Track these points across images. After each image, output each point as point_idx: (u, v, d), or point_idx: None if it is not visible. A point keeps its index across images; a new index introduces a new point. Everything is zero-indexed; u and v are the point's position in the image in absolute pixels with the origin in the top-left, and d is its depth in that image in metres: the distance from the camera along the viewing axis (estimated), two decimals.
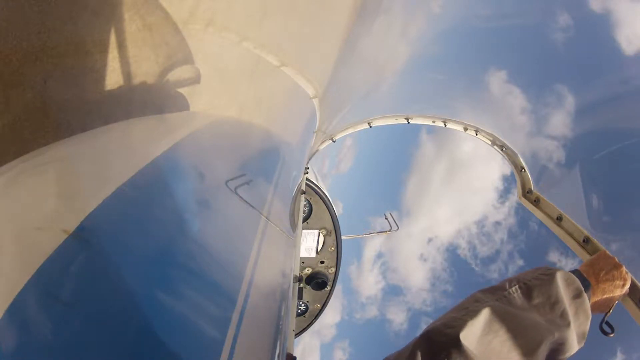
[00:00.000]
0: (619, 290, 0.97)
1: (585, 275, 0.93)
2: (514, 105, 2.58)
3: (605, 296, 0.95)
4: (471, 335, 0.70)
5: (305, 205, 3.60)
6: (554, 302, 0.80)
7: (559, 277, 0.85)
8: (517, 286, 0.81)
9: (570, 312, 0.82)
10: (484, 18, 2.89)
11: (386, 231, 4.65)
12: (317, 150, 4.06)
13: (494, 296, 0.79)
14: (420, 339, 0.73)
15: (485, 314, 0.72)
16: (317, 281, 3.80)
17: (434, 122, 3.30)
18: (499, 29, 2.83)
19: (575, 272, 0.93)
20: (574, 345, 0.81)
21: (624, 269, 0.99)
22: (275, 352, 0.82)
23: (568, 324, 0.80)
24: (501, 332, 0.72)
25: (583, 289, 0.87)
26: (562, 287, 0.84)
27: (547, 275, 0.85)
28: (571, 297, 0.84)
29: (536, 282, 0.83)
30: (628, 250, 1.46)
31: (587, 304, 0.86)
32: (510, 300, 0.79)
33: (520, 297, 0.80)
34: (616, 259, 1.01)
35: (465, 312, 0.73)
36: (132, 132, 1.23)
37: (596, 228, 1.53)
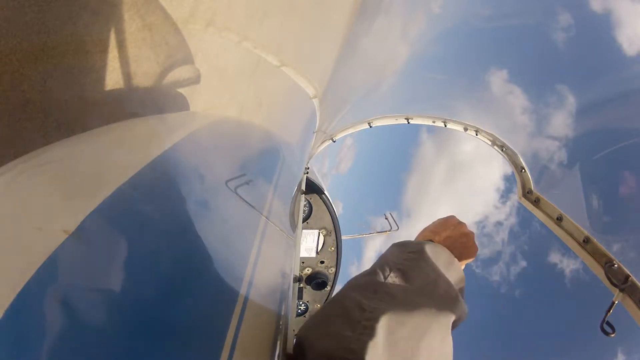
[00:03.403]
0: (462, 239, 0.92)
1: (435, 241, 0.91)
2: (514, 105, 2.58)
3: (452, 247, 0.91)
4: (375, 352, 0.65)
5: (305, 205, 3.60)
6: (434, 279, 0.78)
7: (428, 251, 0.82)
8: (392, 273, 0.77)
9: (451, 281, 0.80)
10: (484, 18, 2.89)
11: (386, 231, 4.65)
12: (317, 151, 4.06)
13: (375, 295, 0.73)
14: None
15: (382, 326, 0.68)
16: (317, 281, 3.80)
17: (434, 122, 3.29)
18: (499, 29, 2.83)
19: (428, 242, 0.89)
20: (465, 309, 0.79)
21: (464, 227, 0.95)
22: (275, 352, 0.82)
23: (456, 296, 0.78)
24: (404, 334, 0.68)
25: (449, 256, 0.85)
26: (435, 260, 0.81)
27: (416, 252, 0.82)
28: (445, 268, 0.82)
29: (409, 264, 0.79)
30: (628, 250, 1.46)
31: (459, 266, 0.85)
32: (391, 291, 0.74)
33: (400, 282, 0.75)
34: (457, 220, 0.97)
35: (360, 330, 0.67)
36: (132, 132, 1.23)
37: (596, 228, 1.53)
